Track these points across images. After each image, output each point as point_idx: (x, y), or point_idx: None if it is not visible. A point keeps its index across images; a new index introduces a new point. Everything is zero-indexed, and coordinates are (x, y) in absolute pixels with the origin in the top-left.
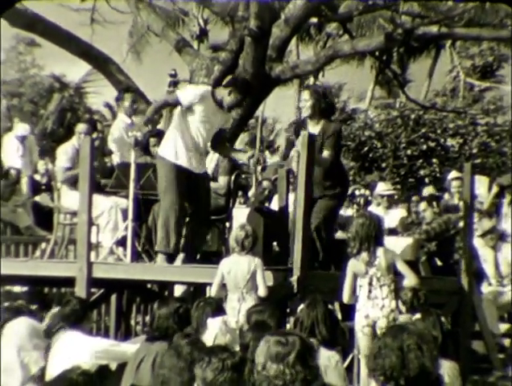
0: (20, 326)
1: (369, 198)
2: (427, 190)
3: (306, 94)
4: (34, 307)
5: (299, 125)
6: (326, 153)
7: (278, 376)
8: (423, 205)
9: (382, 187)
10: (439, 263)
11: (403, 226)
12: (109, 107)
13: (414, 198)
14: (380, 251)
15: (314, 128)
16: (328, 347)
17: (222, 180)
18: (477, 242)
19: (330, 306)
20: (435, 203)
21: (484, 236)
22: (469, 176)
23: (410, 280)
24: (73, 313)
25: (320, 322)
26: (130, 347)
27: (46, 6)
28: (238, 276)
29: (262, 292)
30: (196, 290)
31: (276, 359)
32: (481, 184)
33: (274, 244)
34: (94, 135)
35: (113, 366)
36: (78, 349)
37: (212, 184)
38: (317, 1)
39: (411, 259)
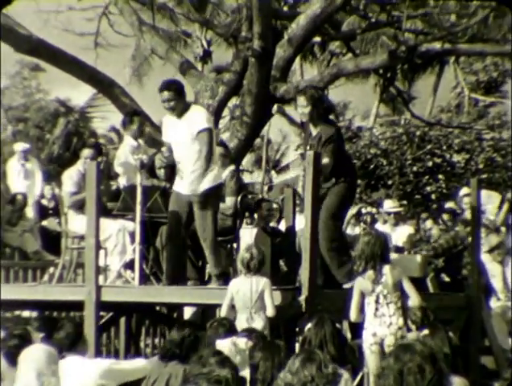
0: (38, 351)
1: (376, 216)
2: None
3: (302, 100)
4: (40, 335)
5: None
6: (325, 161)
7: None
8: (429, 223)
9: (389, 205)
10: (446, 279)
11: (411, 243)
12: (115, 131)
13: (423, 215)
14: (386, 269)
15: (314, 131)
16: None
17: (229, 201)
18: (485, 257)
19: (338, 325)
20: (440, 220)
21: (491, 252)
22: (475, 191)
23: (414, 300)
24: (67, 337)
25: (328, 341)
26: (130, 364)
27: (50, 31)
28: (246, 296)
29: (270, 312)
30: (205, 312)
31: None
32: (490, 199)
33: (282, 263)
34: (99, 159)
35: None
36: (79, 373)
37: (220, 205)
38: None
39: (419, 276)
